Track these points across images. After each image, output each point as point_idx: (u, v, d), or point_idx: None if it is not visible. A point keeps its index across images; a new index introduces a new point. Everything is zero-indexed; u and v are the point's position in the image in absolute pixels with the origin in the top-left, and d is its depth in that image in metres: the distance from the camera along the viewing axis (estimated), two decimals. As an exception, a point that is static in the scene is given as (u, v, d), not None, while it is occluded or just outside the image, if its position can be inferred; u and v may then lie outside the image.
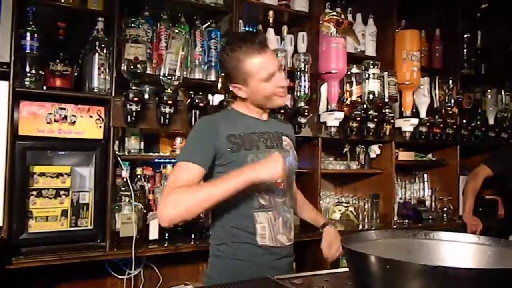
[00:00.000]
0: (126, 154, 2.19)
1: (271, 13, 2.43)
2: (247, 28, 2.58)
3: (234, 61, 1.42)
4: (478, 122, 3.28)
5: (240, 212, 1.41)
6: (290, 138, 1.60)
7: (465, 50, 3.40)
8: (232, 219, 1.42)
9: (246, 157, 1.40)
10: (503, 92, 3.34)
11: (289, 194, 1.52)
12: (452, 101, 3.01)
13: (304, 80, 2.41)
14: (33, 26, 1.89)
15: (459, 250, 0.95)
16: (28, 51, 1.87)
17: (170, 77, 2.01)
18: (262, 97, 1.46)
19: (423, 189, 3.24)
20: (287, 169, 1.45)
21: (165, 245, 2.09)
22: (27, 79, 1.89)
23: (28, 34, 1.87)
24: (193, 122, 2.13)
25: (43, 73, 1.94)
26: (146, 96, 2.25)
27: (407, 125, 2.77)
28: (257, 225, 1.40)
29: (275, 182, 1.41)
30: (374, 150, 2.89)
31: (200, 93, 2.20)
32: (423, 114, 2.90)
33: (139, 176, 2.19)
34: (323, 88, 2.55)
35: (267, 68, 1.41)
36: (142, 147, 2.28)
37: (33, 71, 1.90)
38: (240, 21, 2.38)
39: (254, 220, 1.40)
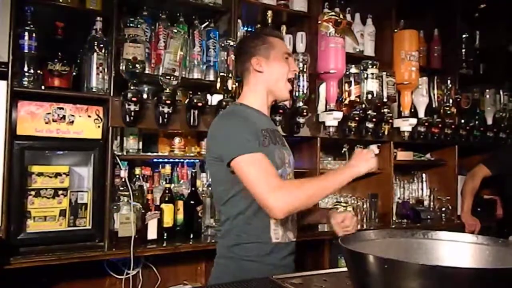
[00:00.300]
0: (125, 154, 2.19)
1: (269, 13, 2.43)
2: (246, 28, 2.58)
3: (259, 37, 1.60)
4: (477, 122, 3.28)
5: (256, 209, 1.40)
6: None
7: (463, 50, 3.40)
8: (247, 217, 1.43)
9: (274, 151, 1.46)
10: (501, 92, 3.35)
11: None
12: (451, 101, 3.01)
13: (303, 80, 2.41)
14: (32, 26, 1.88)
15: (458, 249, 0.95)
16: (26, 50, 1.87)
17: (168, 77, 2.01)
18: (277, 76, 1.55)
19: (422, 189, 3.25)
20: (291, 166, 1.56)
21: (164, 245, 2.08)
22: (26, 78, 1.88)
23: (27, 33, 1.87)
24: (191, 122, 2.13)
25: (41, 73, 1.93)
26: (145, 96, 2.25)
27: (406, 125, 2.77)
28: (271, 220, 1.42)
29: (287, 177, 1.48)
30: (373, 150, 2.88)
31: (199, 93, 2.20)
32: (421, 114, 2.90)
33: (137, 176, 2.19)
34: (322, 88, 2.55)
35: (285, 47, 1.63)
36: (140, 147, 2.28)
37: (32, 71, 1.90)
38: (239, 21, 2.37)
39: (269, 216, 1.40)
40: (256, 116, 1.52)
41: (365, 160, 1.42)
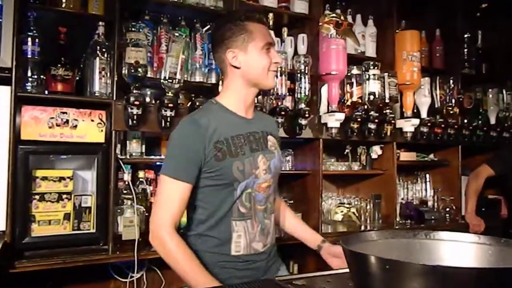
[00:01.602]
0: (128, 157, 2.20)
1: (271, 15, 2.44)
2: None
3: (237, 24, 1.40)
4: (480, 122, 3.27)
5: (219, 220, 1.38)
6: (274, 137, 1.54)
7: (465, 49, 3.39)
8: (209, 228, 1.40)
9: (231, 165, 1.35)
10: (504, 92, 3.34)
11: (271, 199, 1.49)
12: (453, 101, 3.01)
13: (305, 82, 2.41)
14: (35, 31, 1.90)
15: (460, 249, 0.94)
16: (29, 56, 1.89)
17: (170, 81, 2.02)
18: (257, 70, 1.40)
19: (425, 190, 3.24)
20: (272, 172, 1.45)
21: (168, 247, 2.09)
22: (29, 84, 1.90)
23: (30, 39, 1.88)
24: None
25: (44, 78, 1.95)
26: (147, 99, 2.26)
27: (408, 126, 2.77)
28: (233, 233, 1.38)
29: (258, 187, 1.40)
30: (376, 151, 2.88)
31: (201, 96, 2.20)
32: (424, 114, 2.90)
33: (141, 179, 2.20)
34: (324, 90, 2.55)
35: (266, 36, 1.42)
36: (143, 150, 2.29)
37: (35, 76, 1.91)
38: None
39: (231, 228, 1.37)
40: (223, 121, 1.40)
41: None
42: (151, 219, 1.36)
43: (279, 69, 2.30)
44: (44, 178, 1.89)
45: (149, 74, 2.13)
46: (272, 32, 2.46)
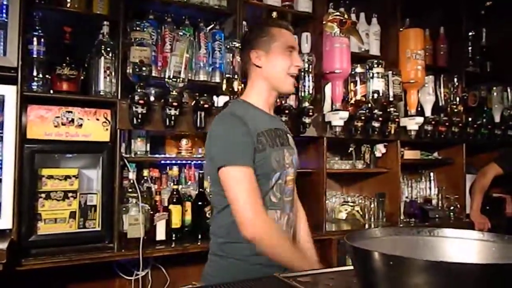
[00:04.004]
0: (133, 156, 2.21)
1: (274, 14, 2.44)
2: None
3: (262, 27, 1.49)
4: (484, 120, 3.27)
5: None
6: (291, 137, 1.60)
7: (470, 48, 3.39)
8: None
9: (270, 156, 1.40)
10: (508, 90, 3.33)
11: (295, 193, 1.54)
12: (458, 99, 3.01)
13: (308, 80, 2.41)
14: (40, 31, 1.92)
15: (464, 246, 0.94)
16: (35, 55, 1.90)
17: (175, 79, 2.03)
18: (277, 70, 1.46)
19: (430, 188, 3.24)
20: (294, 167, 1.50)
21: (173, 245, 2.10)
22: (35, 83, 1.92)
23: (35, 39, 1.90)
24: (198, 123, 2.15)
25: (50, 77, 1.96)
26: (152, 98, 2.27)
27: (412, 124, 2.77)
28: None
29: (286, 180, 1.44)
30: (380, 149, 2.88)
31: (205, 95, 2.21)
32: (428, 112, 2.89)
33: (145, 178, 2.21)
34: (328, 88, 2.56)
35: (291, 40, 1.49)
36: (148, 148, 2.30)
37: (40, 75, 1.93)
38: (244, 22, 2.39)
39: None
40: (255, 115, 1.45)
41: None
42: (243, 212, 1.31)
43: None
44: (50, 177, 1.91)
45: (153, 73, 2.14)
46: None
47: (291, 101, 2.46)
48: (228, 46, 2.22)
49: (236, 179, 1.33)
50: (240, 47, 1.60)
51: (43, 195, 1.89)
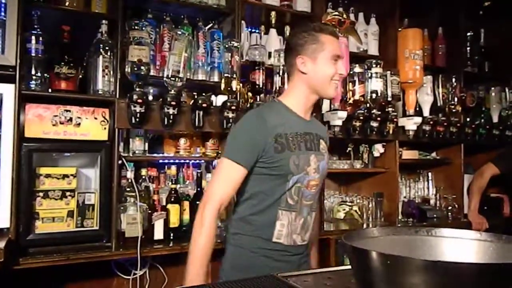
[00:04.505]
0: (131, 155, 2.21)
1: (273, 13, 2.45)
2: (249, 29, 2.60)
3: (310, 34, 1.49)
4: (482, 120, 3.27)
5: (266, 207, 1.46)
6: (325, 142, 1.63)
7: (468, 48, 3.40)
8: (256, 212, 1.48)
9: (289, 158, 1.44)
10: (507, 90, 3.34)
11: (317, 198, 1.58)
12: (456, 99, 3.01)
13: (307, 80, 2.41)
14: (38, 30, 1.91)
15: (461, 246, 0.95)
16: (33, 54, 1.90)
17: (173, 79, 2.03)
18: (322, 78, 1.49)
19: (428, 188, 3.24)
20: (320, 173, 1.53)
21: (170, 245, 2.10)
22: (33, 82, 1.91)
23: (33, 37, 1.89)
24: (196, 123, 2.15)
25: (48, 76, 1.96)
26: (150, 97, 2.27)
27: (411, 124, 2.77)
28: (278, 222, 1.46)
29: (308, 184, 1.49)
30: (378, 149, 2.89)
31: (204, 94, 2.21)
32: (426, 112, 2.89)
33: (143, 177, 2.21)
34: (326, 88, 2.55)
35: (337, 49, 1.51)
36: (146, 148, 2.30)
37: (39, 74, 1.92)
38: (243, 22, 2.39)
39: (276, 216, 1.46)
40: (285, 118, 1.50)
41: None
42: (206, 195, 1.46)
43: (281, 67, 2.31)
44: (48, 176, 1.90)
45: (152, 72, 2.13)
46: (274, 32, 2.48)
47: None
48: (226, 46, 2.21)
49: (222, 167, 1.45)
50: (285, 48, 1.62)
51: (41, 194, 1.89)
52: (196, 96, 2.20)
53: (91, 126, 1.98)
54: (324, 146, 1.60)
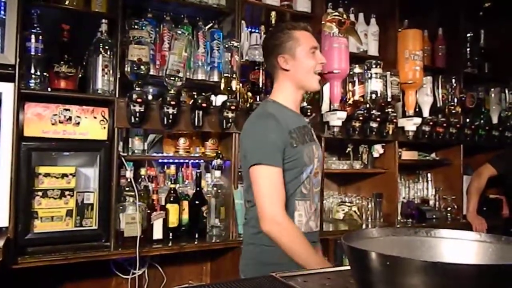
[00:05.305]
0: (130, 154, 2.21)
1: (273, 13, 2.44)
2: (249, 29, 2.60)
3: (285, 32, 1.57)
4: (482, 121, 3.27)
5: (286, 201, 1.48)
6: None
7: (468, 49, 3.40)
8: None
9: (303, 151, 1.52)
10: (506, 91, 3.33)
11: (322, 184, 1.67)
12: (455, 100, 3.01)
13: (307, 80, 2.41)
14: (38, 28, 1.91)
15: (461, 247, 0.95)
16: (33, 53, 1.89)
17: (173, 78, 2.03)
18: (305, 71, 1.56)
19: (427, 189, 3.24)
20: (320, 161, 1.63)
21: (169, 244, 2.10)
22: (32, 80, 1.91)
23: (33, 36, 1.89)
24: (196, 122, 2.14)
25: (47, 75, 1.96)
26: (150, 97, 2.27)
27: (410, 125, 2.77)
28: (296, 212, 1.51)
29: (314, 173, 1.56)
30: (377, 150, 2.89)
31: (203, 94, 2.21)
32: (426, 113, 2.89)
33: (143, 177, 2.21)
34: (326, 88, 2.55)
35: (312, 41, 1.59)
36: (145, 147, 2.29)
37: (38, 73, 1.92)
38: (243, 22, 2.39)
39: (294, 208, 1.51)
40: (286, 114, 1.55)
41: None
42: (263, 206, 1.43)
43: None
44: (47, 175, 1.90)
45: (151, 72, 2.13)
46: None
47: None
48: (226, 45, 2.21)
49: (262, 176, 1.45)
50: (263, 51, 1.68)
51: (40, 193, 1.88)
52: (195, 96, 2.20)
53: (91, 125, 1.98)
54: (315, 137, 1.68)
